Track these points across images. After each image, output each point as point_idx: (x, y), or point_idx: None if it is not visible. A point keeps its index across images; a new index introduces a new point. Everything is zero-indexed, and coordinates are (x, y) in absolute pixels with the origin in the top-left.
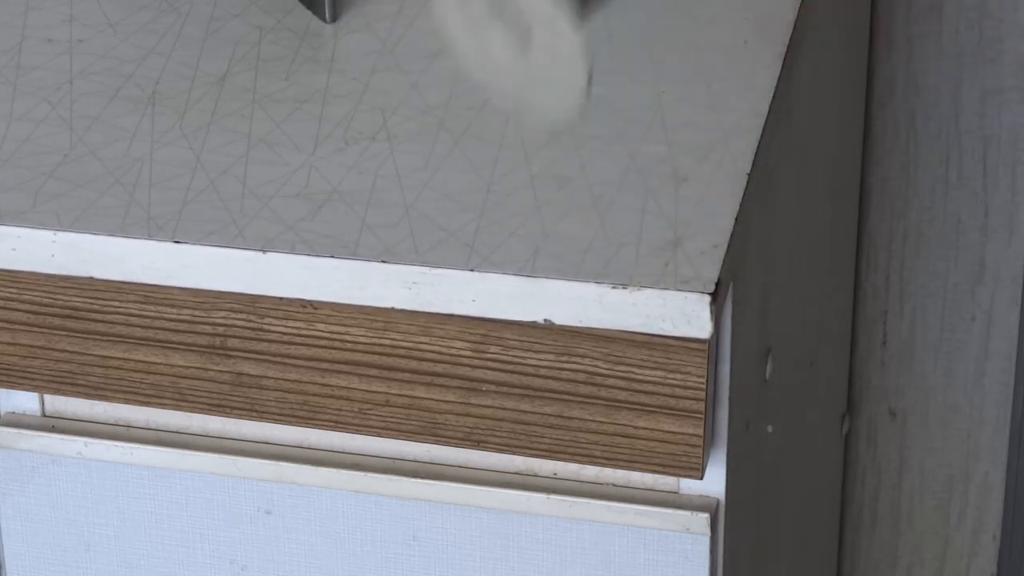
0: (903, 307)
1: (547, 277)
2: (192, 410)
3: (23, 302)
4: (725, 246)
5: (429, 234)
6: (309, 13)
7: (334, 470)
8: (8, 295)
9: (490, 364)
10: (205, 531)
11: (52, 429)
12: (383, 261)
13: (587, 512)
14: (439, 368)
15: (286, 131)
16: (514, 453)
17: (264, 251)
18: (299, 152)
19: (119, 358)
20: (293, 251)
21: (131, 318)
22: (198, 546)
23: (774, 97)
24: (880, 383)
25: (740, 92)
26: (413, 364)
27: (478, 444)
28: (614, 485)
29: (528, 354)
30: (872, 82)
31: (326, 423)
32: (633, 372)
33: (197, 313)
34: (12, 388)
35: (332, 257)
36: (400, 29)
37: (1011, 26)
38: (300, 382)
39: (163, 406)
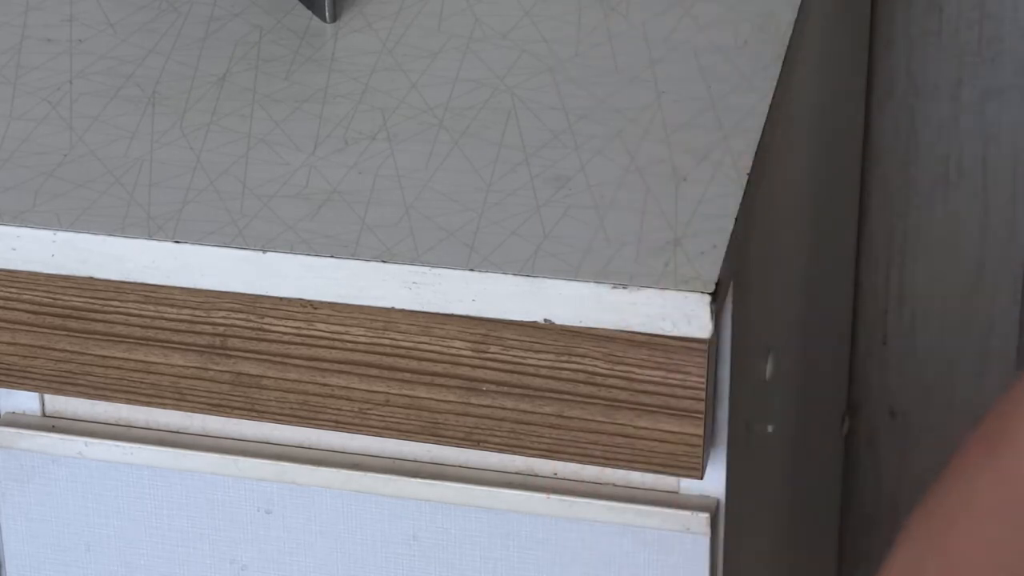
0: (903, 307)
1: (547, 277)
2: (192, 410)
3: (23, 302)
4: (725, 246)
5: (429, 234)
6: (309, 13)
7: (334, 470)
8: (8, 295)
9: (490, 364)
10: (205, 531)
11: (52, 429)
12: (383, 261)
13: (587, 512)
14: (439, 368)
15: (286, 131)
16: (514, 453)
17: (264, 251)
18: (299, 152)
19: (119, 358)
20: (293, 251)
21: (131, 318)
22: (198, 546)
23: (774, 97)
24: (880, 383)
25: (740, 92)
26: (413, 364)
27: (478, 444)
28: (614, 485)
29: (528, 354)
30: (872, 82)
31: (326, 423)
32: (633, 372)
33: (197, 313)
34: (12, 388)
35: (332, 257)
36: (400, 29)
37: (1011, 26)
38: (300, 382)
39: (163, 406)
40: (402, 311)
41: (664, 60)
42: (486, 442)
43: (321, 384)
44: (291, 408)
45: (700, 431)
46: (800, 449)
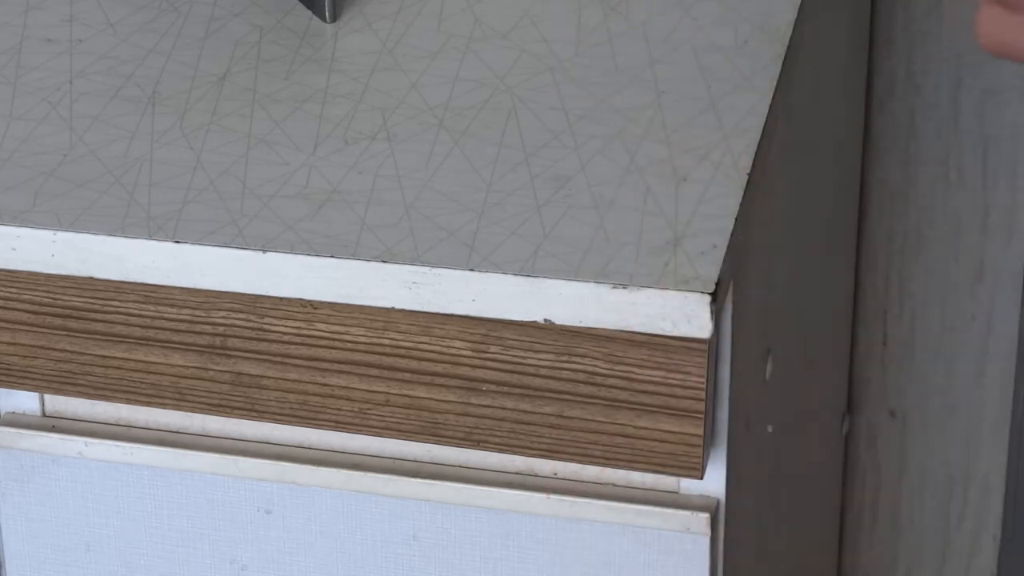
0: (903, 307)
1: (547, 277)
2: (192, 410)
3: (23, 302)
4: (725, 246)
5: (429, 234)
6: (309, 13)
7: (334, 470)
8: (8, 295)
9: (490, 364)
10: (205, 531)
11: (52, 429)
12: (383, 261)
13: (587, 512)
14: (439, 368)
15: (286, 131)
16: (514, 453)
17: (264, 251)
18: (299, 152)
19: (119, 358)
20: (293, 251)
21: (131, 318)
22: (198, 546)
23: (774, 97)
24: (880, 383)
25: (740, 92)
26: (413, 364)
27: (478, 444)
28: (614, 485)
29: (528, 354)
30: (872, 82)
31: (326, 423)
32: (633, 372)
33: (197, 313)
34: (12, 388)
35: (332, 257)
36: (400, 29)
37: None
38: (300, 382)
39: (163, 406)
40: (402, 311)
41: (664, 60)
42: (486, 442)
43: (321, 384)
44: (291, 408)
45: (700, 431)
46: (800, 449)
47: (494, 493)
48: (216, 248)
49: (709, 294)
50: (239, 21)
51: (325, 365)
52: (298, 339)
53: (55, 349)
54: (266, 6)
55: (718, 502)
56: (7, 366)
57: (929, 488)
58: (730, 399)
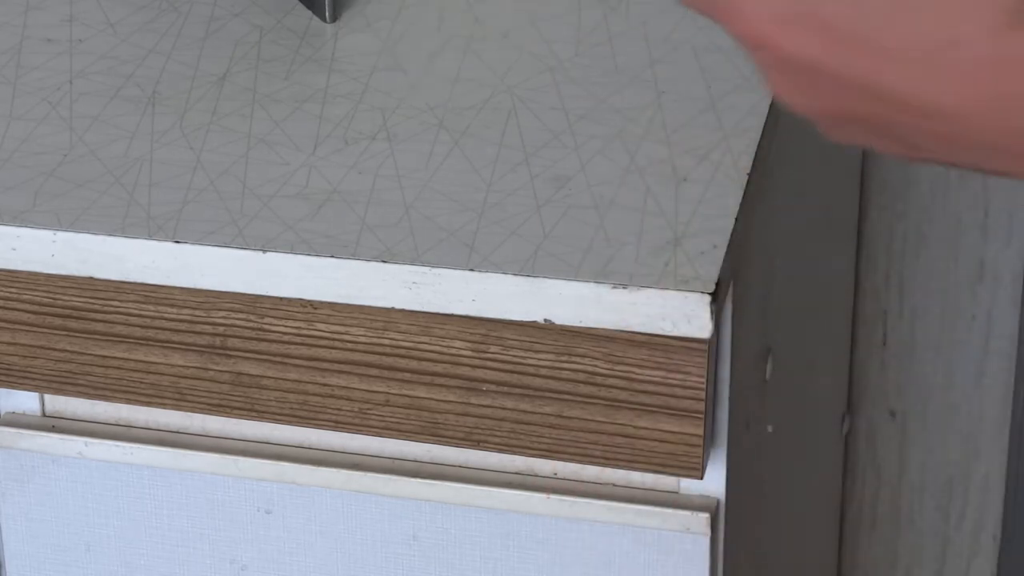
0: (903, 307)
1: (547, 277)
2: (192, 410)
3: (23, 302)
4: (725, 246)
5: (429, 234)
6: (309, 13)
7: (334, 470)
8: (8, 295)
9: (490, 364)
10: (205, 531)
11: (52, 429)
12: (383, 261)
13: (587, 512)
14: (439, 368)
15: (286, 131)
16: (514, 453)
17: (264, 251)
18: (299, 152)
19: (119, 358)
20: (293, 251)
21: (131, 318)
22: (198, 546)
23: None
24: (880, 383)
25: (740, 92)
26: (413, 364)
27: (478, 444)
28: (614, 485)
29: (528, 354)
30: None
31: (326, 423)
32: (633, 372)
33: (197, 313)
34: (12, 388)
35: (332, 257)
36: (400, 29)
37: None
38: (300, 382)
39: (163, 406)
40: (402, 311)
41: (664, 60)
42: (486, 442)
43: (321, 384)
44: (291, 408)
45: (700, 431)
46: (800, 449)
47: (494, 493)
48: (216, 248)
49: (709, 294)
50: (239, 21)
51: (325, 365)
52: (298, 339)
53: (55, 349)
54: (266, 6)
55: (718, 502)
56: (7, 366)
57: (929, 488)
58: (730, 399)
